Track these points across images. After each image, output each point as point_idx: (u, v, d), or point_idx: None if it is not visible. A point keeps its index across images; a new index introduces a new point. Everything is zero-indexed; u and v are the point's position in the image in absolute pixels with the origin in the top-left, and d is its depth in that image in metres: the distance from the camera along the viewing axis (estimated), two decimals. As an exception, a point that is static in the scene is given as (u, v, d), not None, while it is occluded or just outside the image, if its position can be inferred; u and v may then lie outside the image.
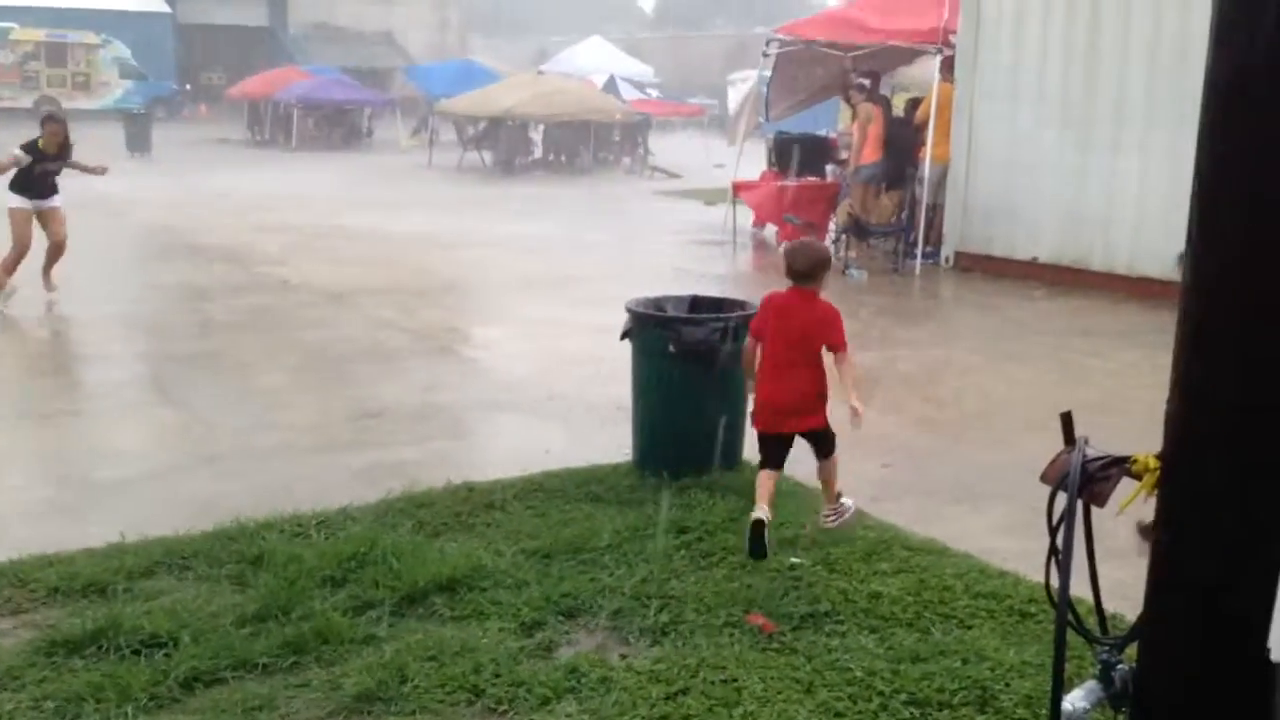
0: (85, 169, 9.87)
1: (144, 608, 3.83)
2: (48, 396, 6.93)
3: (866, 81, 12.97)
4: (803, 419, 4.63)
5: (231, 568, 4.22)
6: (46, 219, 9.41)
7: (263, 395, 7.10)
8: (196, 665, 3.49)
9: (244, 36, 50.49)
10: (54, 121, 9.61)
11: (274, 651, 3.60)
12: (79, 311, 9.30)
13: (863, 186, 12.75)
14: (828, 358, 4.68)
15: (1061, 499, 2.61)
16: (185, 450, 5.96)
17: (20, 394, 6.98)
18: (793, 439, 4.64)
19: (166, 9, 48.71)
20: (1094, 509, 2.65)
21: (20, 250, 9.25)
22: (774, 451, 4.61)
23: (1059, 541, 2.60)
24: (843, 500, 4.76)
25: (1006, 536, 4.70)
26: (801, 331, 4.65)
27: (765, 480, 4.51)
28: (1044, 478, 2.74)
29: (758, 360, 4.75)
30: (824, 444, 4.69)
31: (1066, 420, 2.80)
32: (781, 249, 12.14)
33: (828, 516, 4.73)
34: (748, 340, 4.88)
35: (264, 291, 10.48)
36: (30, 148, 9.21)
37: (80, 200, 17.28)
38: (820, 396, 4.68)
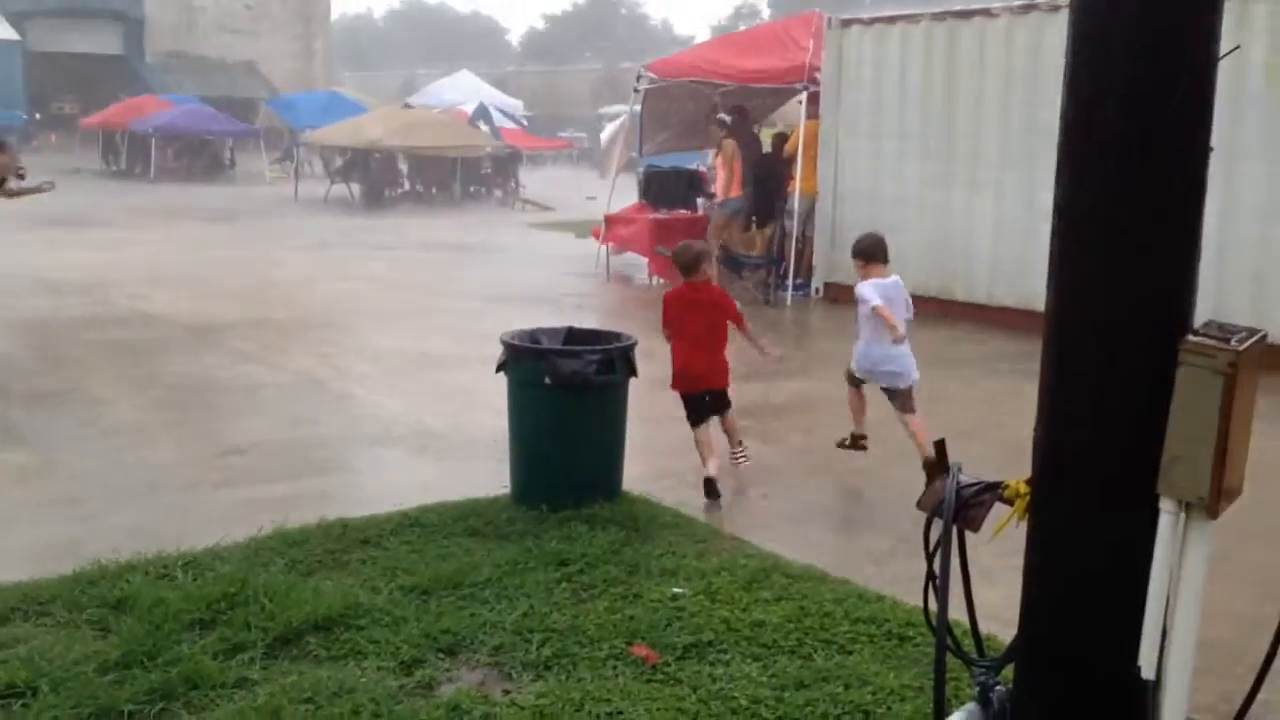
0: (31, 191, 9.40)
1: (1, 656, 3.63)
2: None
3: (727, 117, 13.19)
4: (711, 380, 5.95)
5: (93, 613, 4.04)
6: None
7: (122, 433, 6.84)
8: (57, 715, 3.33)
9: (97, 65, 48.91)
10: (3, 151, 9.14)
11: (140, 699, 3.45)
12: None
13: (728, 219, 12.95)
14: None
15: (937, 525, 2.68)
16: (39, 492, 5.70)
17: None
18: (706, 395, 5.93)
19: (15, 36, 46.89)
20: (968, 534, 2.74)
21: None
22: (698, 408, 5.95)
23: (936, 566, 2.67)
24: (743, 444, 6.13)
25: (883, 561, 4.80)
26: (710, 314, 5.96)
27: (702, 436, 5.90)
28: (920, 504, 2.81)
29: (673, 334, 6.03)
30: (725, 401, 6.06)
31: (939, 448, 2.89)
32: (653, 273, 12.36)
33: (738, 457, 6.11)
34: (663, 327, 6.11)
35: (123, 326, 10.12)
36: None
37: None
38: (725, 363, 6.03)
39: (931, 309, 11.25)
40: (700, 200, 14.86)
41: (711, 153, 14.90)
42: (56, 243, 15.99)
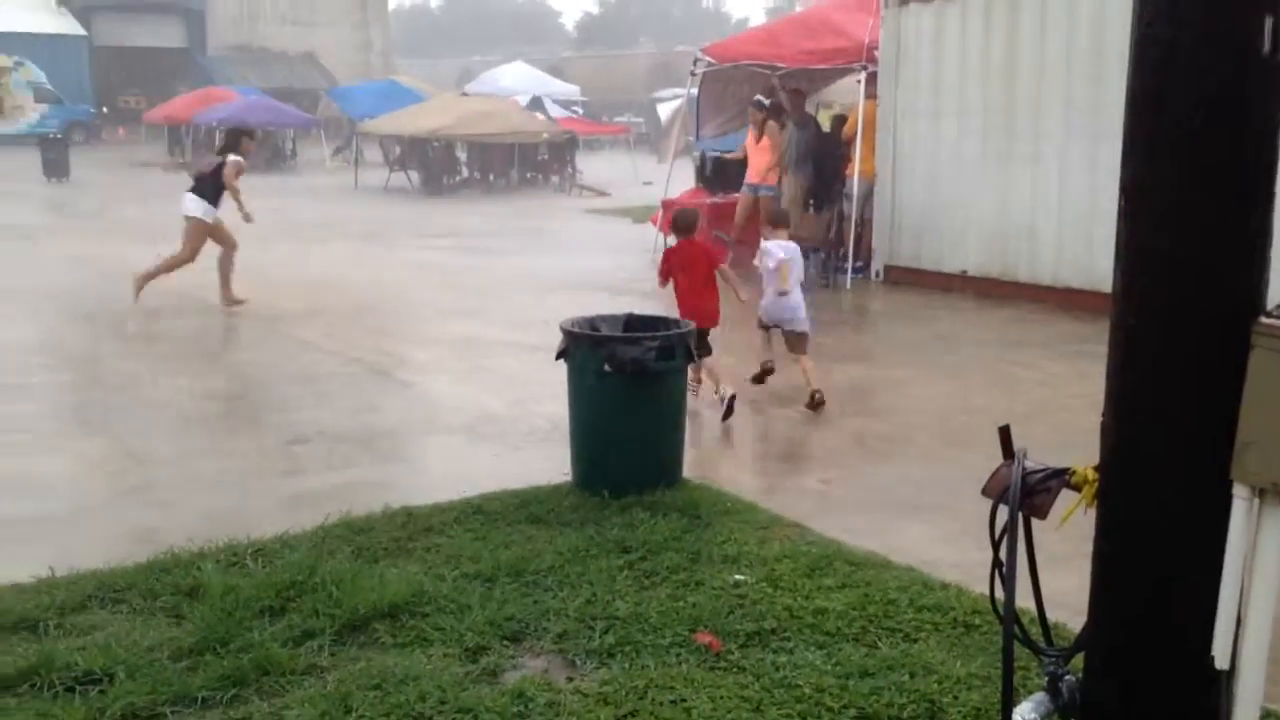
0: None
1: (77, 643, 3.73)
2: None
3: (766, 100, 13.12)
4: (709, 319, 7.00)
5: (166, 600, 4.12)
6: None
7: (192, 422, 6.97)
8: (133, 701, 3.40)
9: (162, 58, 49.73)
10: None
11: (213, 685, 3.52)
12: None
13: (767, 202, 12.85)
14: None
15: (1003, 512, 2.65)
16: (114, 481, 5.82)
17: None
18: (708, 332, 6.94)
19: (81, 31, 47.82)
20: (1035, 521, 2.70)
21: None
22: (704, 342, 6.73)
23: (1002, 554, 2.64)
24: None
25: (948, 548, 4.76)
26: (705, 265, 7.14)
27: (711, 365, 7.01)
28: (985, 491, 2.78)
29: (672, 281, 7.19)
30: (706, 341, 6.80)
31: (1005, 434, 2.84)
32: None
33: (723, 395, 6.83)
34: (659, 278, 7.31)
35: (190, 316, 10.29)
36: None
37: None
38: (718, 304, 7.15)
39: (993, 290, 11.14)
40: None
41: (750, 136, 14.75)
42: (122, 235, 16.28)
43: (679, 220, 7.44)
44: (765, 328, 7.54)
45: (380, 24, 57.25)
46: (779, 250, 7.41)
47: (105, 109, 45.67)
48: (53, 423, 7.02)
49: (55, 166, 25.61)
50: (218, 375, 8.19)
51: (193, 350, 8.99)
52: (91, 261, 13.62)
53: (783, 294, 7.31)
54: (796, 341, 7.40)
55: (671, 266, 7.23)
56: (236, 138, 10.61)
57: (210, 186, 10.09)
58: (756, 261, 7.59)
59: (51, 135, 30.38)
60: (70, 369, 8.56)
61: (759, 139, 12.82)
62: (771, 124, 12.79)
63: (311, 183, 27.44)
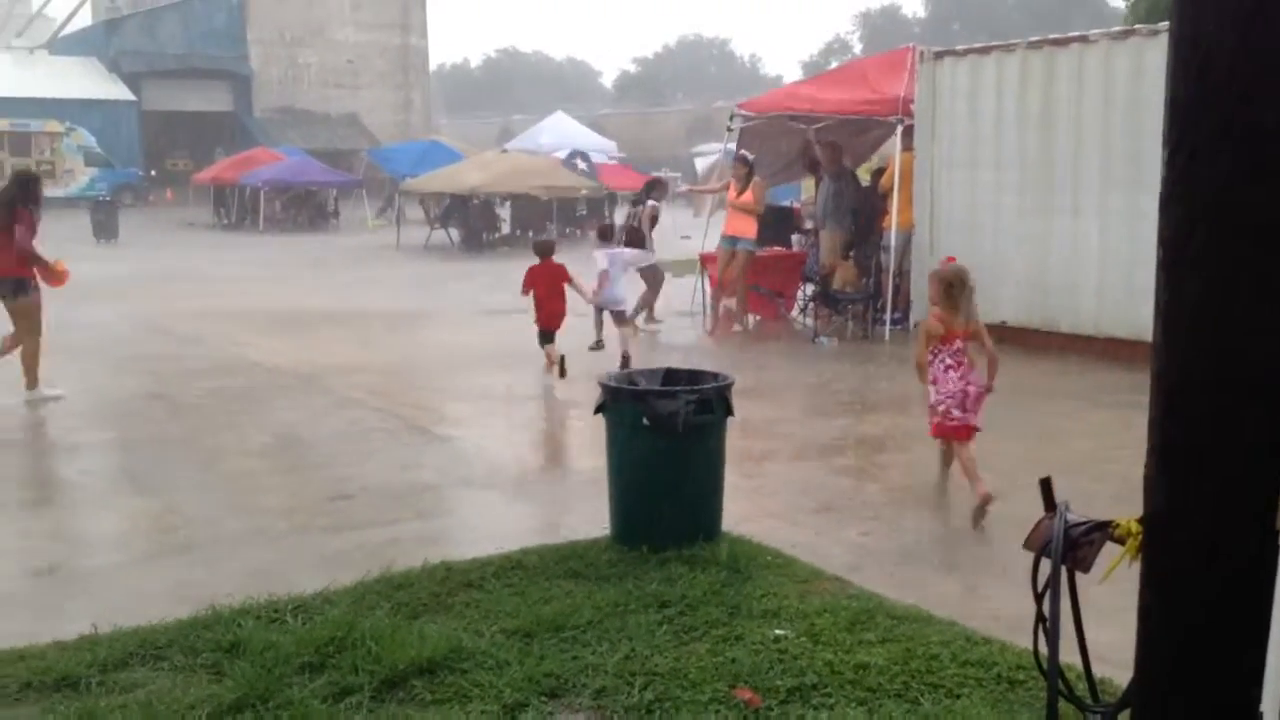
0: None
1: (119, 701, 3.75)
2: (13, 485, 6.82)
3: (750, 155, 13.42)
4: (557, 321, 10.02)
5: (207, 656, 4.14)
6: None
7: (234, 479, 7.03)
8: (173, 760, 3.41)
9: (209, 121, 50.80)
10: None
11: (253, 743, 3.52)
12: (38, 399, 9.17)
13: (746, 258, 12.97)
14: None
15: (1045, 565, 2.61)
16: (157, 538, 5.87)
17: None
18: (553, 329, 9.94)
19: (131, 97, 48.97)
20: (1078, 574, 2.66)
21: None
22: (548, 335, 9.97)
23: (1045, 608, 2.60)
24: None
25: (990, 602, 4.70)
26: (557, 281, 10.01)
27: (551, 352, 9.93)
28: (1027, 544, 2.74)
29: (533, 292, 10.02)
30: (553, 335, 10.01)
31: (1046, 486, 2.81)
32: (722, 308, 12.48)
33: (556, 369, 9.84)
34: (522, 289, 10.11)
35: (233, 374, 10.42)
36: None
37: (44, 287, 17.24)
38: (565, 309, 10.11)
39: (1034, 340, 11.06)
40: (795, 236, 14.85)
41: (806, 187, 14.90)
42: (168, 295, 16.56)
43: (539, 246, 10.54)
44: (599, 310, 10.95)
45: (421, 85, 58.22)
46: (604, 259, 10.94)
47: (154, 172, 46.60)
48: (98, 479, 7.11)
49: (104, 228, 26.15)
50: (261, 432, 8.27)
51: (237, 407, 9.08)
52: (138, 319, 13.84)
53: (605, 288, 10.78)
54: (618, 318, 10.94)
55: (534, 280, 10.07)
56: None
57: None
58: (601, 269, 10.85)
59: (101, 198, 31.06)
60: (116, 425, 8.68)
61: (740, 193, 12.91)
62: (757, 180, 12.97)
63: (354, 241, 27.81)
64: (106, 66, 50.33)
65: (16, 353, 9.12)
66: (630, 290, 11.71)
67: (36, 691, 3.88)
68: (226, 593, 4.70)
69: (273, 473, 7.28)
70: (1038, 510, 2.83)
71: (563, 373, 9.70)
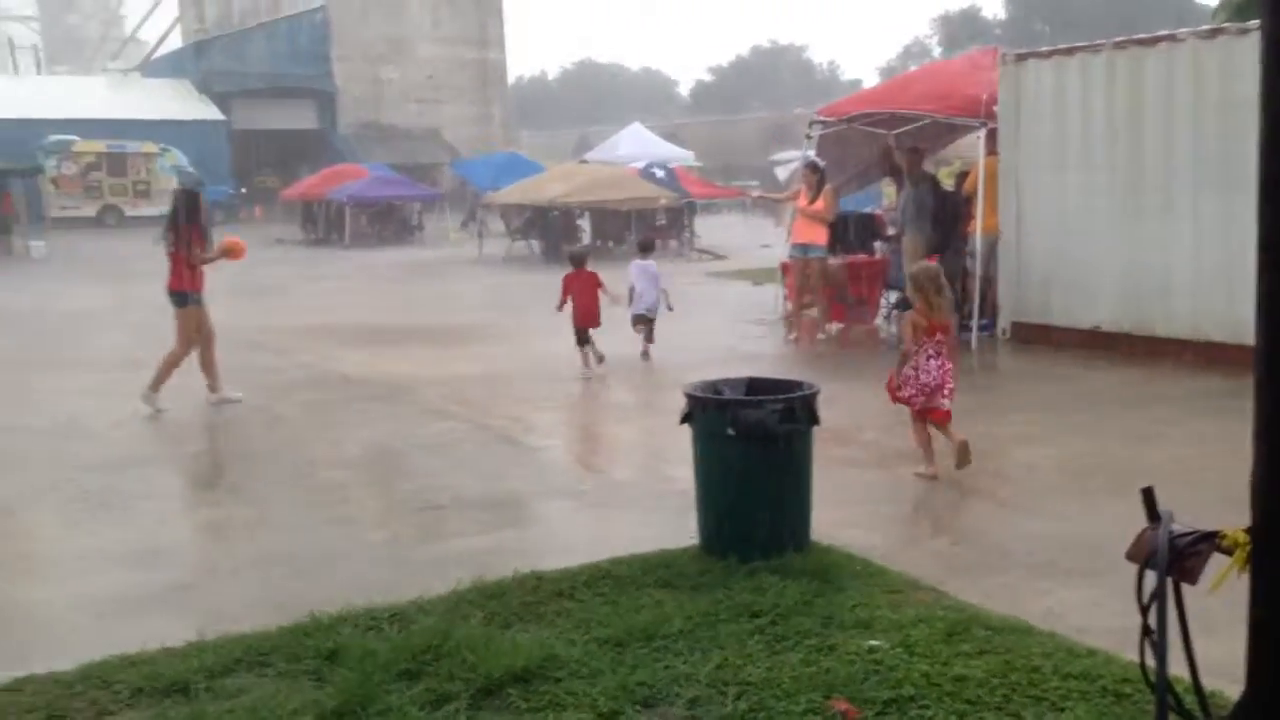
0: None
1: (226, 706, 3.85)
2: (117, 495, 7.04)
3: (820, 161, 13.28)
4: (595, 321, 11.22)
5: (309, 663, 4.23)
6: None
7: (329, 490, 7.17)
8: (280, 764, 3.49)
9: (295, 139, 51.92)
10: None
11: (355, 749, 3.59)
12: (138, 413, 9.46)
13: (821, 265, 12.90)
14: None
15: (1150, 576, 2.57)
16: (256, 547, 6.02)
17: (91, 493, 7.09)
18: (589, 329, 11.15)
19: (221, 116, 50.22)
20: (1185, 585, 2.61)
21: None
22: (584, 335, 11.12)
23: (1151, 621, 2.56)
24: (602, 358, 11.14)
25: (1092, 613, 4.61)
26: (592, 286, 11.27)
27: (586, 353, 11.11)
28: (1130, 555, 2.70)
29: (569, 297, 11.23)
30: (589, 335, 11.17)
31: (1149, 495, 2.76)
32: (802, 316, 12.42)
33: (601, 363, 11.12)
34: (560, 298, 11.25)
35: (324, 387, 10.63)
36: None
37: (140, 303, 17.76)
38: (599, 310, 11.26)
39: (1127, 344, 10.84)
40: (878, 244, 14.73)
41: (889, 193, 14.80)
42: (260, 310, 16.94)
43: (574, 256, 11.93)
44: (636, 318, 11.74)
45: (500, 99, 58.92)
46: (637, 271, 11.83)
47: (243, 189, 47.74)
48: (198, 492, 7.31)
49: (197, 245, 26.71)
50: (353, 443, 8.42)
51: (329, 419, 9.26)
52: (232, 333, 14.16)
53: (636, 298, 11.72)
54: (649, 327, 11.75)
55: (570, 287, 11.23)
56: None
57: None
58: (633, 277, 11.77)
59: (193, 216, 31.76)
60: (214, 437, 8.91)
61: (811, 200, 12.78)
62: (829, 187, 12.84)
63: (437, 254, 28.18)
64: (197, 87, 51.71)
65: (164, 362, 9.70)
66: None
67: (148, 697, 3.99)
68: (325, 601, 4.80)
69: (365, 483, 7.42)
70: (1140, 520, 2.78)
71: (600, 359, 11.12)
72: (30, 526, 6.50)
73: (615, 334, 11.51)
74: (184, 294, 9.67)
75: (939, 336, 6.91)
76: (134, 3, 78.37)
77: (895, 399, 7.05)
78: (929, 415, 6.92)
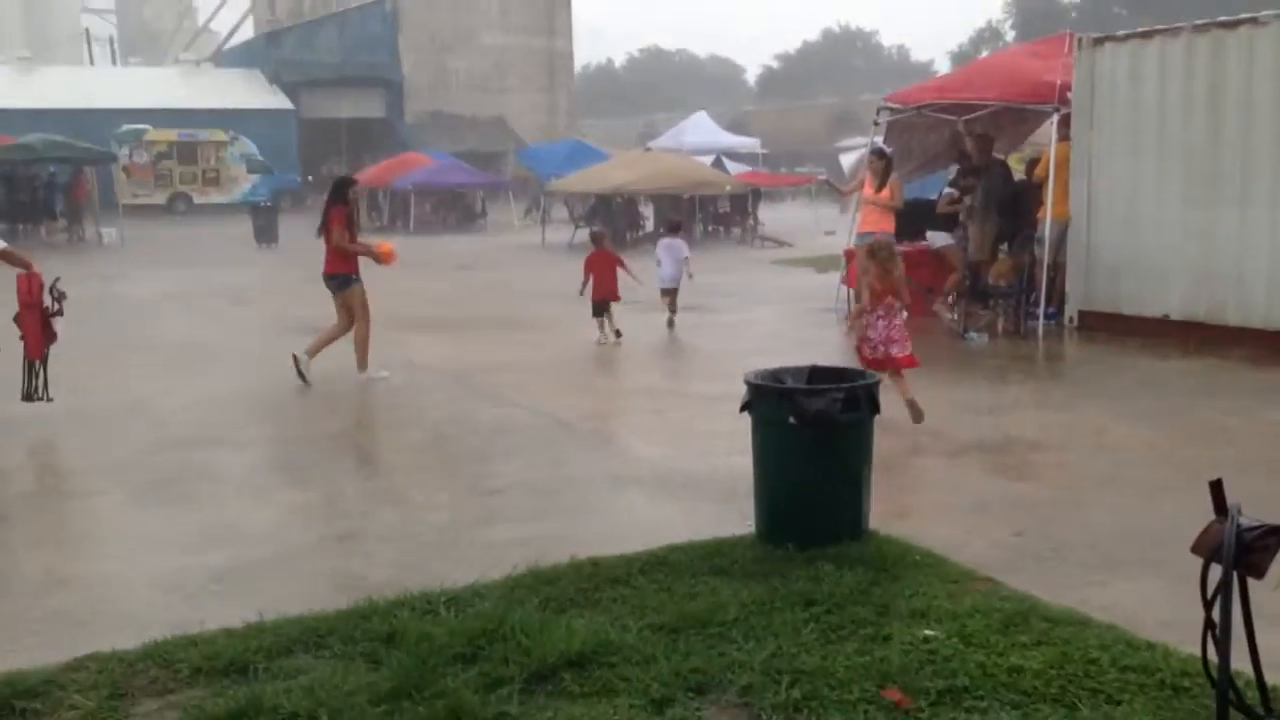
0: None
1: (283, 686, 3.89)
2: (179, 477, 7.17)
3: (886, 149, 13.16)
4: (614, 295, 12.05)
5: (365, 645, 4.27)
6: None
7: (389, 473, 7.25)
8: (335, 744, 3.53)
9: (362, 127, 52.47)
10: None
11: (409, 730, 3.62)
12: (206, 394, 9.63)
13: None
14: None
15: (1215, 570, 2.51)
16: (316, 529, 6.10)
17: (152, 474, 7.23)
18: (609, 302, 11.99)
19: (290, 105, 50.92)
20: (1250, 580, 2.55)
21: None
22: (602, 309, 12.01)
23: (1215, 615, 2.50)
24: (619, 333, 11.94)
25: (1153, 606, 4.51)
26: (612, 263, 12.17)
27: (602, 323, 12.04)
28: (1195, 549, 2.64)
29: (590, 275, 12.09)
30: (609, 308, 12.13)
31: (1216, 488, 2.69)
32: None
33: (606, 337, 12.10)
34: (583, 276, 12.22)
35: (387, 371, 10.72)
36: None
37: (204, 288, 18.09)
38: (617, 286, 12.16)
39: (1198, 334, 10.60)
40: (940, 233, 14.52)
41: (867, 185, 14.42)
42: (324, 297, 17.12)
43: (594, 238, 13.57)
44: (663, 290, 13.14)
45: (566, 87, 59.04)
46: (663, 249, 13.31)
47: (310, 177, 48.38)
48: (260, 474, 7.41)
49: (265, 233, 27.16)
50: (414, 427, 8.50)
51: (390, 403, 9.36)
52: (298, 322, 14.37)
53: (662, 268, 13.16)
54: (673, 297, 13.05)
55: (591, 266, 12.23)
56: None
57: None
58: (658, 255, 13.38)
59: (262, 203, 32.34)
60: (277, 421, 9.03)
61: (877, 189, 12.53)
62: (895, 176, 12.57)
63: (501, 241, 28.33)
64: (267, 77, 52.49)
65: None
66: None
67: (207, 676, 4.06)
68: (383, 584, 4.84)
69: (425, 468, 7.48)
70: (1207, 512, 2.71)
71: (618, 334, 12.01)
72: (98, 506, 6.64)
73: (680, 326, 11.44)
74: (343, 276, 10.14)
75: (889, 300, 7.95)
76: (207, -6, 79.66)
77: (891, 364, 7.85)
78: (893, 365, 7.82)
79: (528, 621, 4.36)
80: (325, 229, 10.15)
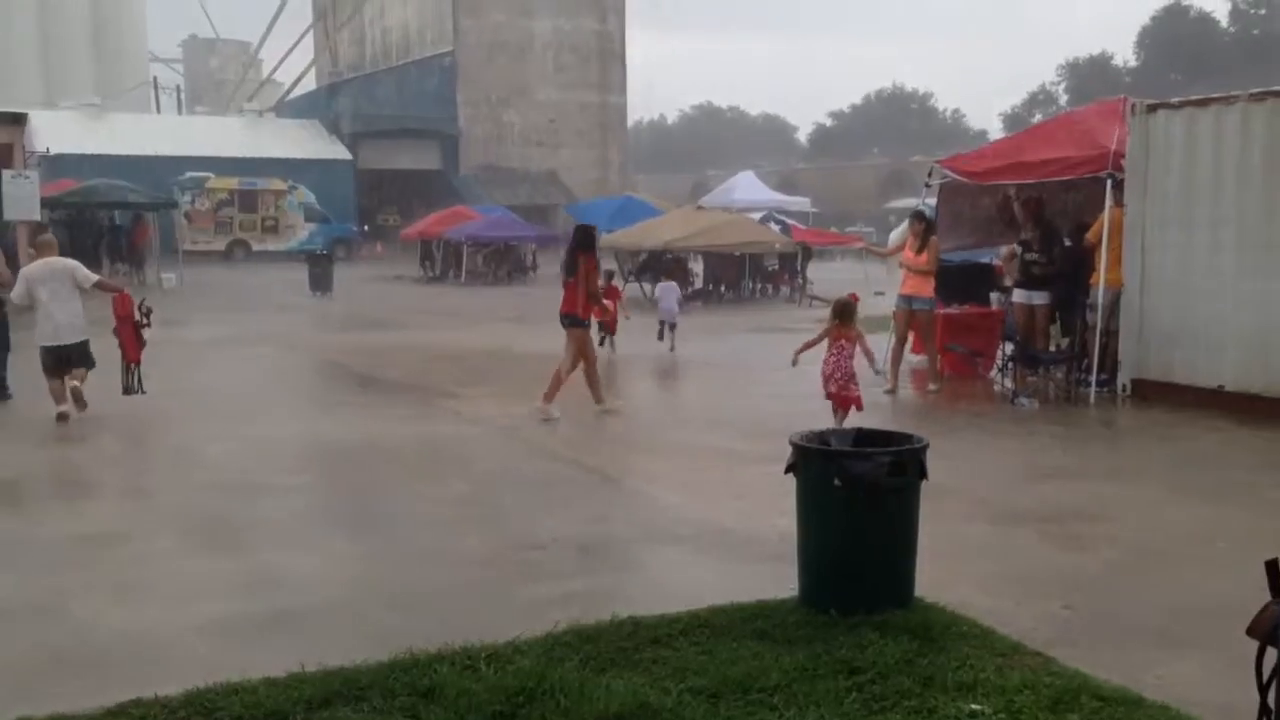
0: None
1: (322, 739, 3.90)
2: (226, 522, 7.23)
3: (927, 210, 13.43)
4: (610, 328, 15.08)
5: (404, 700, 4.27)
6: None
7: (434, 526, 7.26)
8: (370, 800, 3.51)
9: (417, 179, 53.31)
10: None
11: (447, 788, 3.60)
12: (253, 442, 9.72)
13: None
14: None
15: (1272, 654, 2.45)
16: (360, 580, 6.11)
17: (200, 519, 7.29)
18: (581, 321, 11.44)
19: (348, 156, 51.84)
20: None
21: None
22: (613, 327, 15.34)
23: (1271, 700, 2.44)
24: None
25: (1207, 687, 4.40)
26: (615, 296, 15.58)
27: (603, 337, 14.90)
28: (1251, 630, 2.58)
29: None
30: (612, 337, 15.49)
31: (1273, 568, 2.64)
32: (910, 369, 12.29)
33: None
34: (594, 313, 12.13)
35: (435, 422, 10.80)
36: None
37: (258, 334, 18.35)
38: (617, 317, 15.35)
39: (1254, 407, 10.41)
40: (994, 294, 14.45)
41: (1004, 248, 14.54)
42: (376, 345, 17.31)
43: (607, 273, 15.86)
44: (661, 322, 16.34)
45: (618, 142, 59.66)
46: (661, 289, 17.61)
47: (366, 227, 49.08)
48: (306, 523, 7.46)
49: (320, 281, 27.50)
50: (461, 479, 8.52)
51: (435, 455, 9.41)
52: (347, 368, 14.52)
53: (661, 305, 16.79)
54: (670, 330, 16.23)
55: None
56: None
57: None
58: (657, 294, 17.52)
59: (318, 252, 32.82)
60: (325, 469, 9.10)
61: (919, 251, 12.66)
62: (934, 239, 12.72)
63: (550, 293, 28.36)
64: (327, 128, 53.55)
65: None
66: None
67: (248, 725, 4.07)
68: (423, 637, 4.84)
69: (470, 520, 7.49)
70: (1262, 594, 2.66)
71: (612, 345, 15.00)
72: (145, 551, 6.69)
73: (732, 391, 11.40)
74: (576, 317, 10.94)
75: (842, 341, 9.55)
76: (273, 45, 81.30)
77: (844, 402, 9.56)
78: (840, 403, 9.54)
79: (567, 681, 4.33)
80: (574, 273, 10.88)
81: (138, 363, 10.87)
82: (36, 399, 10.84)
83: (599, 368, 11.30)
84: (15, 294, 10.87)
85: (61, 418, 10.34)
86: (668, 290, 17.29)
